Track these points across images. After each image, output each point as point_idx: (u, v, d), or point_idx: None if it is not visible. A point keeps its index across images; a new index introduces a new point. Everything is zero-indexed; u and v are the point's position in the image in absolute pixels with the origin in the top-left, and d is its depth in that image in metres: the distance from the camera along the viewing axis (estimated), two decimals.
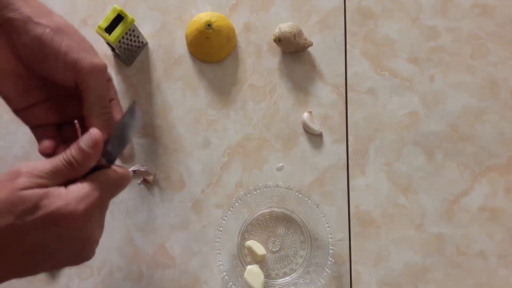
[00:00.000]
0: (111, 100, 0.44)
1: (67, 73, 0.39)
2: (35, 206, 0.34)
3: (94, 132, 0.39)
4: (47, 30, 0.38)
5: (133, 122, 0.42)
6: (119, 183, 0.41)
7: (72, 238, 0.37)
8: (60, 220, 0.35)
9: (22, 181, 0.35)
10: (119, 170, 0.41)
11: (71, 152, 0.38)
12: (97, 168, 0.39)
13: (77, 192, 0.36)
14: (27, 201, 0.34)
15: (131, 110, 0.42)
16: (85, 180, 0.38)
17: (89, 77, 0.39)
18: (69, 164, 0.37)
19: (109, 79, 0.44)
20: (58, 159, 0.37)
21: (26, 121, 0.43)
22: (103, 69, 0.40)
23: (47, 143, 0.43)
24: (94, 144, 0.38)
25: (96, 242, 0.39)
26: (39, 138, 0.44)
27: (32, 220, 0.34)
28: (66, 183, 0.37)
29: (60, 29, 0.39)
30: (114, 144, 0.41)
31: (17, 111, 0.42)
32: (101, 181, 0.39)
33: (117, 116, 0.45)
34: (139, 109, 0.43)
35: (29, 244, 0.35)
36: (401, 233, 0.55)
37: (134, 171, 0.57)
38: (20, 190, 0.34)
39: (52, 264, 0.38)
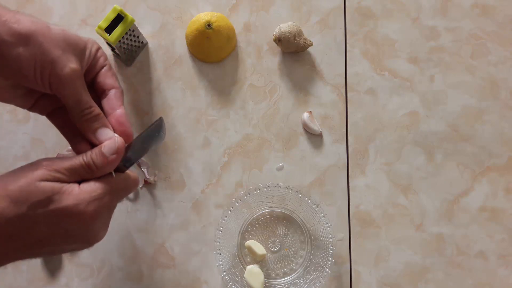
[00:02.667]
0: (102, 67, 0.44)
1: (45, 87, 0.40)
2: (48, 199, 0.36)
3: (117, 140, 0.41)
4: (20, 49, 0.38)
5: (157, 136, 0.43)
6: (129, 188, 0.43)
7: (77, 235, 0.38)
8: (68, 217, 0.37)
9: (41, 172, 0.37)
10: (132, 175, 0.43)
11: (92, 155, 0.40)
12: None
13: (89, 194, 0.38)
14: (41, 193, 0.36)
15: (157, 125, 0.43)
16: (99, 181, 0.39)
17: (60, 89, 0.40)
18: (88, 166, 0.39)
19: (98, 48, 0.44)
20: (78, 160, 0.39)
21: (39, 113, 0.45)
22: (70, 79, 0.40)
23: (83, 146, 0.44)
24: (115, 151, 0.40)
25: (100, 239, 0.41)
26: (55, 124, 0.46)
27: (43, 213, 0.36)
28: (81, 181, 0.39)
29: (29, 37, 0.38)
30: (134, 151, 0.42)
31: (28, 109, 0.45)
32: (114, 185, 0.40)
33: (110, 81, 0.45)
34: (165, 126, 0.44)
35: (36, 235, 0.37)
36: (401, 233, 0.55)
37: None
38: (37, 181, 0.36)
39: (58, 252, 0.40)
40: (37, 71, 0.39)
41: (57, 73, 0.39)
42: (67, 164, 0.39)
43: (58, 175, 0.38)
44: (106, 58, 0.45)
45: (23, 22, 0.38)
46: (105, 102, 0.44)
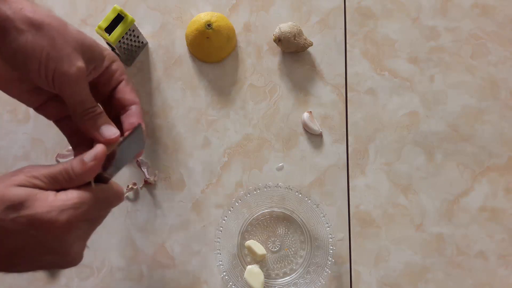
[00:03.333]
0: (119, 81, 0.44)
1: (48, 83, 0.39)
2: (20, 204, 0.34)
3: (98, 147, 0.39)
4: (29, 37, 0.37)
5: (136, 144, 0.42)
6: (111, 201, 0.40)
7: (49, 245, 0.36)
8: (38, 225, 0.35)
9: (19, 178, 0.36)
10: (114, 186, 0.40)
11: (72, 161, 0.38)
12: (94, 180, 0.39)
13: (64, 201, 0.36)
14: (15, 198, 0.34)
15: (136, 133, 0.41)
16: (76, 190, 0.37)
17: (64, 87, 0.39)
18: (66, 172, 0.37)
19: (114, 61, 0.43)
20: (58, 167, 0.38)
21: (46, 116, 0.44)
22: (76, 78, 0.39)
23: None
24: (94, 158, 0.38)
25: (77, 254, 0.38)
26: (63, 131, 0.45)
27: (14, 219, 0.34)
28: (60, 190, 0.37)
29: (42, 28, 0.37)
30: (116, 160, 0.40)
31: (35, 109, 0.43)
32: (92, 194, 0.38)
33: (130, 96, 0.44)
34: (143, 132, 0.42)
35: (8, 243, 0.35)
36: (401, 233, 0.55)
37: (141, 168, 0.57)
38: (13, 186, 0.35)
39: (33, 266, 0.38)
40: (42, 64, 0.38)
41: (63, 71, 0.38)
42: (46, 170, 0.37)
43: (36, 181, 0.36)
44: (123, 72, 0.44)
45: (40, 13, 0.38)
46: (125, 118, 0.44)
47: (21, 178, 0.36)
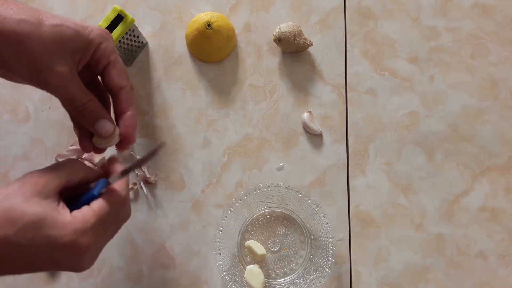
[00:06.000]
0: (105, 64, 0.42)
1: (38, 87, 0.40)
2: (39, 222, 0.34)
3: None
4: (5, 49, 0.37)
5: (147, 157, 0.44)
6: (124, 217, 0.42)
7: (65, 264, 0.37)
8: (57, 247, 0.35)
9: (30, 190, 0.35)
10: (127, 205, 0.42)
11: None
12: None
13: (83, 224, 0.36)
14: (33, 216, 0.34)
15: (153, 151, 0.43)
16: (92, 210, 0.38)
17: (51, 91, 0.39)
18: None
19: (101, 43, 0.41)
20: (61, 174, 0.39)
21: None
22: (58, 84, 0.38)
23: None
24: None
25: (90, 265, 0.39)
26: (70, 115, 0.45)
27: (32, 237, 0.34)
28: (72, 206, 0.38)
29: (15, 41, 0.36)
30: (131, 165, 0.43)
31: None
32: (108, 212, 0.39)
33: (116, 80, 0.42)
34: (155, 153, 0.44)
35: (23, 260, 0.35)
36: (401, 233, 0.55)
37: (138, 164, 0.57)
38: (28, 201, 0.35)
39: (42, 271, 0.39)
40: (26, 75, 0.38)
41: (45, 80, 0.38)
42: (54, 183, 0.37)
43: (48, 192, 0.36)
44: (110, 54, 0.42)
45: (9, 22, 0.36)
46: (116, 105, 0.43)
47: (32, 190, 0.35)
